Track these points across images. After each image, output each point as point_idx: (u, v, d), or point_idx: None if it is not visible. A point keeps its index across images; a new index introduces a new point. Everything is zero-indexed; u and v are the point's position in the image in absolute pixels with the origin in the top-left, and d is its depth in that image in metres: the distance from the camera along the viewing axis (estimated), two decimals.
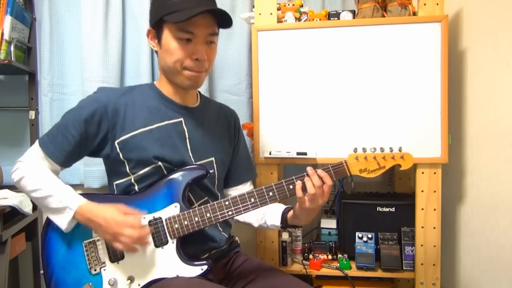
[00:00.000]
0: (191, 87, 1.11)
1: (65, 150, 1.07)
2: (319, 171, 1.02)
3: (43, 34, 1.67)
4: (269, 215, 1.17)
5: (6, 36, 1.50)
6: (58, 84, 1.71)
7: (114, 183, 1.12)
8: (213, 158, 1.16)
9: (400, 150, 1.05)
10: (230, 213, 1.04)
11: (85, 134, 1.06)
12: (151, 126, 1.08)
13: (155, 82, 1.17)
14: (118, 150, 1.06)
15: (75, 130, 1.05)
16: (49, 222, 1.06)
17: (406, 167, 1.05)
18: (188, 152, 1.11)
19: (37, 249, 1.71)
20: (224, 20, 1.05)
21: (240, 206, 1.04)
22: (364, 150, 1.05)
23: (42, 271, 1.07)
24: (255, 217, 1.20)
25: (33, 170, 1.07)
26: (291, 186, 1.03)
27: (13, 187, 1.61)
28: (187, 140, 1.12)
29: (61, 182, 1.07)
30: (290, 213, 1.12)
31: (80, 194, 1.10)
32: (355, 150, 1.05)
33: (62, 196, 1.02)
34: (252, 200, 1.04)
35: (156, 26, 1.06)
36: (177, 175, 1.07)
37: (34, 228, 1.69)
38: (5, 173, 1.68)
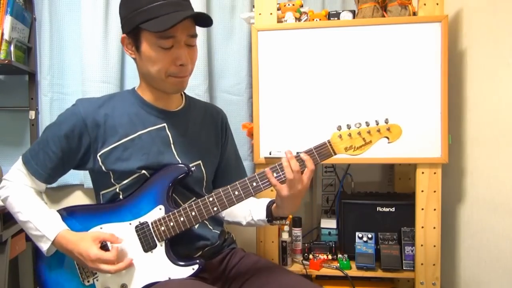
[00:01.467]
0: (177, 92, 1.10)
1: (47, 167, 1.06)
2: (302, 154, 0.97)
3: (43, 34, 1.67)
4: (255, 210, 1.15)
5: (6, 36, 1.50)
6: (58, 84, 1.71)
7: (101, 193, 1.11)
8: (200, 161, 1.14)
9: (386, 122, 0.98)
10: (215, 209, 1.01)
11: (67, 149, 1.05)
12: (133, 135, 1.06)
13: (136, 88, 1.14)
14: (100, 162, 1.05)
15: (56, 146, 1.04)
16: None
17: (394, 140, 0.98)
18: (175, 157, 1.09)
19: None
20: (202, 19, 1.03)
21: (225, 200, 1.01)
22: (348, 126, 0.98)
23: None
24: (242, 215, 1.19)
25: (16, 190, 1.07)
26: (275, 174, 0.98)
27: None
28: (172, 145, 1.10)
29: (43, 207, 1.06)
30: (274, 204, 1.09)
31: (66, 207, 1.10)
32: (339, 128, 0.98)
33: (40, 223, 1.02)
34: (236, 193, 1.00)
35: (132, 33, 1.02)
36: (158, 177, 1.06)
37: None
38: (5, 173, 1.67)
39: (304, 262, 1.50)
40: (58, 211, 1.08)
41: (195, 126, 1.17)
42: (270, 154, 1.41)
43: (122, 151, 1.05)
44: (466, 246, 1.41)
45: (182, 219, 1.01)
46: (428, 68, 1.34)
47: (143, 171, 1.05)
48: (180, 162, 1.09)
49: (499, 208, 1.22)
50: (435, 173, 1.35)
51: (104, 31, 1.64)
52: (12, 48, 1.52)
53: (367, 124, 0.98)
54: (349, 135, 0.98)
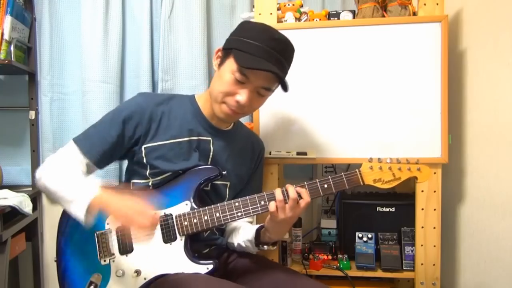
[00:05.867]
0: (224, 120, 1.13)
1: (101, 148, 1.07)
2: (298, 188, 1.02)
3: (43, 34, 1.67)
4: (246, 231, 1.17)
5: (6, 36, 1.50)
6: (58, 84, 1.71)
7: (132, 181, 1.13)
8: (229, 183, 1.18)
9: (417, 162, 1.03)
10: (239, 214, 1.04)
11: (122, 136, 1.08)
12: (181, 139, 1.10)
13: (196, 96, 1.18)
14: (143, 154, 1.08)
15: (113, 130, 1.07)
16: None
17: (423, 180, 1.03)
18: None
19: (37, 249, 1.71)
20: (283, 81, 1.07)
21: (250, 207, 1.04)
22: (379, 160, 1.03)
23: (55, 258, 1.09)
24: (235, 234, 1.21)
25: (56, 164, 1.05)
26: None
27: (13, 187, 1.63)
28: (209, 159, 1.14)
29: (80, 176, 1.02)
30: (263, 229, 1.12)
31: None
32: (370, 159, 1.04)
33: (74, 189, 0.97)
34: (262, 203, 1.04)
35: (225, 51, 1.07)
36: (190, 175, 1.10)
37: (34, 228, 1.69)
38: (5, 173, 1.68)
39: (304, 262, 1.50)
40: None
41: (236, 149, 1.21)
42: (270, 154, 1.41)
43: (168, 150, 1.09)
44: (466, 246, 1.41)
45: (206, 218, 1.05)
46: (428, 68, 1.34)
47: (179, 171, 1.10)
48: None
49: (499, 208, 1.22)
50: (435, 173, 1.35)
51: (104, 31, 1.64)
52: (12, 48, 1.52)
53: (398, 161, 1.03)
54: (380, 168, 1.03)
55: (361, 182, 1.04)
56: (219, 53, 1.11)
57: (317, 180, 1.04)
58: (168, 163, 1.08)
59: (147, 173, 1.10)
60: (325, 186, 1.04)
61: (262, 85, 1.05)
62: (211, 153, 1.14)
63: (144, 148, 1.08)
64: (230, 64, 1.04)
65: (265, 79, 1.04)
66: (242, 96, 1.03)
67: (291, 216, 1.01)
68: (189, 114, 1.14)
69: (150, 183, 1.10)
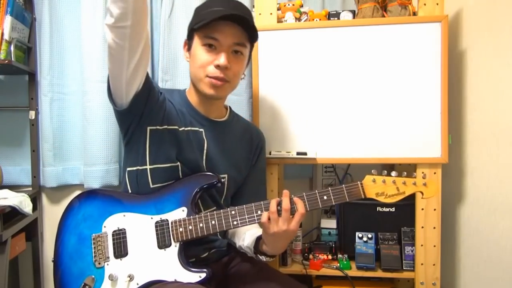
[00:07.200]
0: (213, 96, 1.11)
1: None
2: (295, 198, 0.99)
3: (43, 34, 1.67)
4: (248, 236, 1.15)
5: (6, 36, 1.50)
6: (58, 84, 1.71)
7: (128, 169, 1.12)
8: (226, 175, 1.17)
9: (424, 177, 1.00)
10: (235, 222, 1.03)
11: (153, 91, 1.07)
12: (179, 128, 1.11)
13: (186, 91, 1.20)
14: (147, 136, 1.08)
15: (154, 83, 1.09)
16: (68, 213, 1.09)
17: (429, 196, 0.98)
18: (202, 163, 1.13)
19: (37, 249, 1.71)
20: (251, 31, 1.07)
21: (246, 217, 1.02)
22: (383, 173, 1.00)
23: (53, 259, 1.10)
24: (238, 236, 1.19)
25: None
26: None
27: (13, 187, 1.62)
28: (204, 151, 1.13)
29: None
30: (262, 240, 1.09)
31: (99, 188, 1.16)
32: (374, 172, 1.01)
33: None
34: (259, 212, 1.02)
35: (188, 37, 1.12)
36: (188, 180, 1.09)
37: (34, 228, 1.69)
38: (5, 173, 1.68)
39: (304, 262, 1.50)
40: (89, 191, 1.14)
41: (232, 140, 1.20)
42: (270, 154, 1.41)
43: (168, 135, 1.09)
44: (466, 246, 1.41)
45: (201, 225, 1.03)
46: (428, 68, 1.34)
47: (178, 163, 1.09)
48: (206, 168, 1.13)
49: (499, 208, 1.22)
50: (435, 173, 1.35)
51: (104, 30, 1.63)
52: (12, 48, 1.52)
53: (403, 174, 1.00)
54: (383, 181, 0.99)
55: (363, 195, 0.99)
56: (186, 45, 1.14)
57: (316, 191, 1.01)
58: (168, 149, 1.08)
59: (147, 158, 1.09)
60: (325, 198, 1.00)
61: (234, 41, 1.06)
62: (205, 145, 1.14)
63: (150, 130, 1.08)
64: (196, 40, 1.08)
65: (233, 35, 1.06)
66: (219, 59, 1.05)
67: (286, 229, 0.97)
68: (180, 106, 1.15)
69: (148, 170, 1.09)
